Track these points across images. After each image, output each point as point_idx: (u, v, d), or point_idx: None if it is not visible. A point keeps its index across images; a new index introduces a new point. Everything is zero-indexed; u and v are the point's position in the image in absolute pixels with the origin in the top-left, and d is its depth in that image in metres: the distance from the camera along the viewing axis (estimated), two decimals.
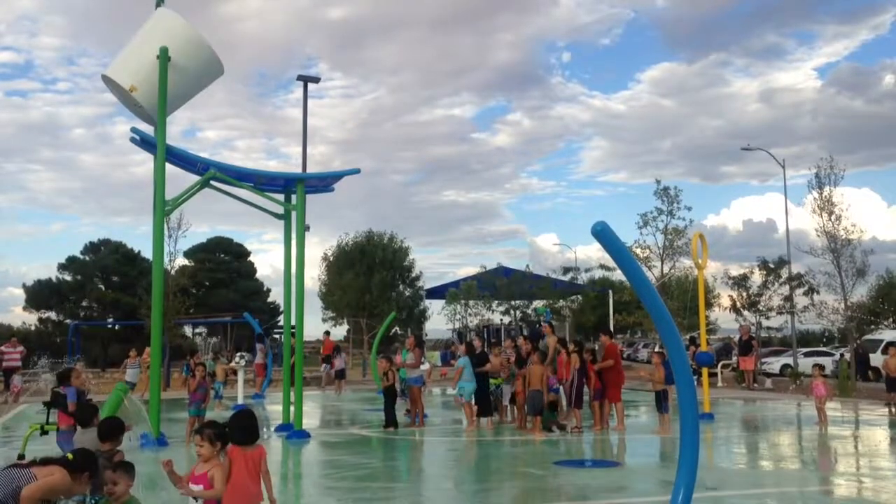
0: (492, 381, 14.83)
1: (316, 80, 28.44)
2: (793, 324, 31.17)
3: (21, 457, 7.73)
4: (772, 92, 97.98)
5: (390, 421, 14.35)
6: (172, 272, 27.73)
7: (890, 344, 18.63)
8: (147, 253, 45.54)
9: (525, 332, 23.91)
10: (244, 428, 5.20)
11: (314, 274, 52.39)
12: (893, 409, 16.96)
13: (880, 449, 12.92)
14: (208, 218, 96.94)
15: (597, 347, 16.52)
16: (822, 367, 16.01)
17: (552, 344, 14.76)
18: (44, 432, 7.76)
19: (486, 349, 16.02)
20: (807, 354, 33.06)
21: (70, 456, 5.11)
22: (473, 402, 14.55)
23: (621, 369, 14.64)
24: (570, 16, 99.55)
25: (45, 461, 4.93)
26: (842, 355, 30.17)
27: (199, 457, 5.15)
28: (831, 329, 31.52)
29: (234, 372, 20.36)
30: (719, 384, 25.33)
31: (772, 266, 31.03)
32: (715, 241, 78.08)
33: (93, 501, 5.75)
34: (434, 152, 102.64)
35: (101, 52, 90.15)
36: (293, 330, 14.49)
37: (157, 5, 13.16)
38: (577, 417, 13.73)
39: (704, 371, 16.34)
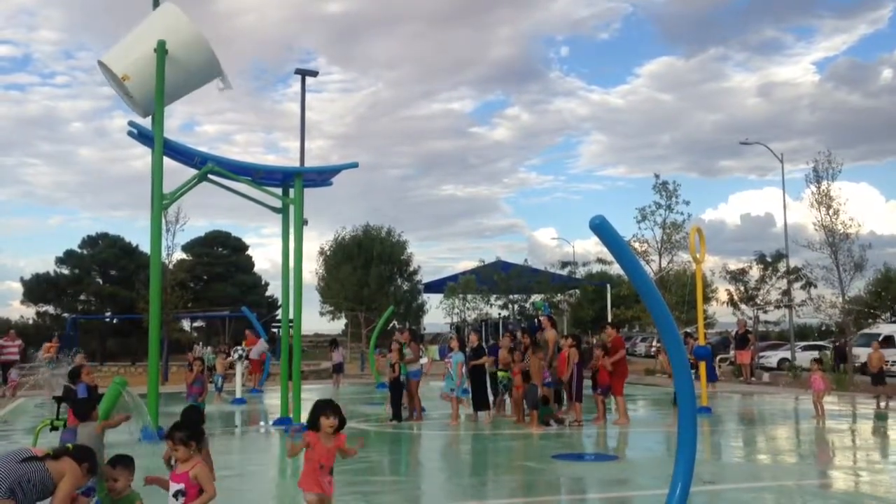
0: (500, 374, 14.81)
1: (314, 73, 28.39)
2: (790, 318, 31.20)
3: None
4: (770, 86, 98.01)
5: (396, 414, 14.40)
6: (170, 266, 27.72)
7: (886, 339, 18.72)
8: (145, 247, 45.48)
9: (523, 326, 23.89)
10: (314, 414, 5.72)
11: (312, 268, 52.38)
12: (881, 403, 17.05)
13: (876, 442, 12.97)
14: (206, 212, 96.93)
15: (597, 340, 16.54)
16: (820, 362, 16.07)
17: (552, 338, 14.77)
18: (53, 428, 7.73)
19: (482, 344, 15.98)
20: (804, 348, 33.13)
21: (70, 447, 5.14)
22: (470, 396, 14.55)
23: (626, 362, 14.71)
24: (569, 10, 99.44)
25: (56, 454, 4.95)
26: (821, 349, 30.49)
27: (177, 459, 5.16)
28: (829, 323, 31.57)
29: (233, 366, 20.38)
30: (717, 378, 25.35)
31: (769, 260, 31.03)
32: (713, 236, 78.24)
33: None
34: (432, 147, 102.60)
35: (99, 45, 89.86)
36: (291, 324, 14.50)
37: (155, 5, 13.15)
38: (577, 411, 13.75)
39: (702, 365, 16.36)
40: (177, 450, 5.12)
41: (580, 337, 16.42)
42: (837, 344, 29.81)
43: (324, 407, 5.65)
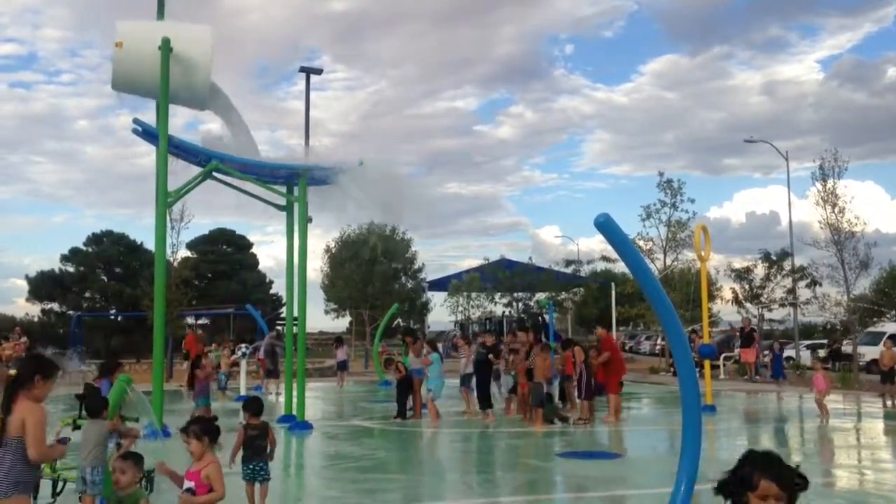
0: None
1: (318, 71, 28.36)
2: (795, 316, 31.15)
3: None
4: (774, 84, 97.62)
5: (400, 411, 14.48)
6: (175, 264, 27.76)
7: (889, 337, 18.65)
8: (150, 244, 45.54)
9: (527, 325, 23.87)
10: None
11: (317, 265, 52.37)
12: (888, 402, 17.00)
13: (880, 441, 12.94)
14: (211, 210, 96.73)
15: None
16: (823, 360, 16.02)
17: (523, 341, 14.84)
18: (76, 427, 7.63)
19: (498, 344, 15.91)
20: (808, 347, 33.08)
21: (13, 373, 4.74)
22: (474, 394, 14.52)
23: (621, 360, 14.64)
24: (573, 8, 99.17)
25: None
26: (814, 349, 30.59)
27: (191, 455, 5.15)
28: (833, 322, 31.52)
29: (237, 363, 20.42)
30: (721, 376, 25.36)
31: (774, 258, 30.99)
32: (718, 234, 77.76)
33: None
34: (436, 145, 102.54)
35: (104, 43, 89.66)
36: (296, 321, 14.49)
37: (160, 12, 13.19)
38: (584, 409, 13.77)
39: (707, 363, 16.34)
40: (189, 443, 5.10)
41: (571, 341, 16.32)
42: (834, 345, 29.78)
43: (763, 464, 2.91)
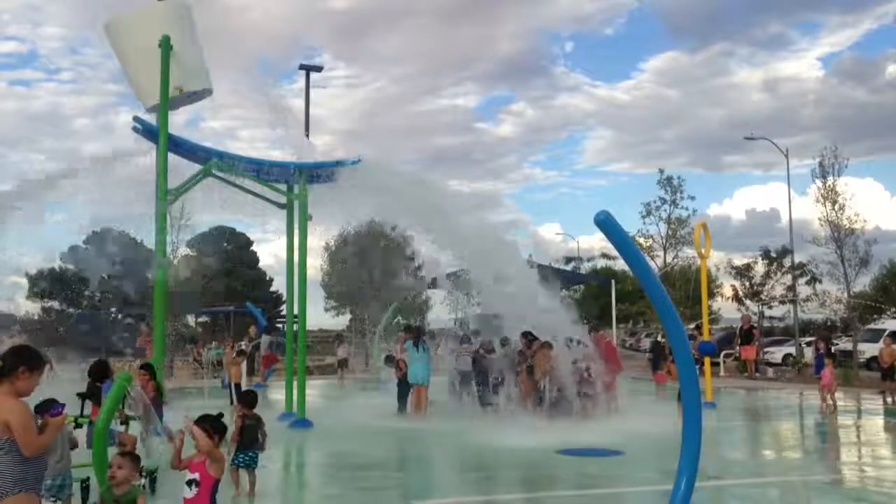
0: None
1: (318, 69, 28.34)
2: (795, 313, 31.18)
3: None
4: (775, 82, 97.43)
5: (400, 409, 14.63)
6: (175, 262, 27.78)
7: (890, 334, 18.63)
8: (150, 243, 45.50)
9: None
10: None
11: (317, 263, 52.34)
12: (888, 399, 17.02)
13: (880, 438, 12.95)
14: (212, 208, 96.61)
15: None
16: (833, 356, 16.00)
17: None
18: (77, 425, 7.58)
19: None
20: (808, 344, 33.08)
21: None
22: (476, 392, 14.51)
23: (614, 360, 14.59)
24: (574, 5, 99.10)
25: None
26: (801, 346, 30.74)
27: (198, 449, 5.15)
28: (833, 319, 31.54)
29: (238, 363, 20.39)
30: (721, 373, 25.38)
31: (774, 255, 31.02)
32: (718, 231, 77.55)
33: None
34: (437, 142, 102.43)
35: (104, 42, 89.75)
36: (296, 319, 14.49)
37: None
38: (586, 407, 13.78)
39: (707, 360, 16.35)
40: (198, 439, 5.12)
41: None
42: (821, 350, 29.76)
43: None
